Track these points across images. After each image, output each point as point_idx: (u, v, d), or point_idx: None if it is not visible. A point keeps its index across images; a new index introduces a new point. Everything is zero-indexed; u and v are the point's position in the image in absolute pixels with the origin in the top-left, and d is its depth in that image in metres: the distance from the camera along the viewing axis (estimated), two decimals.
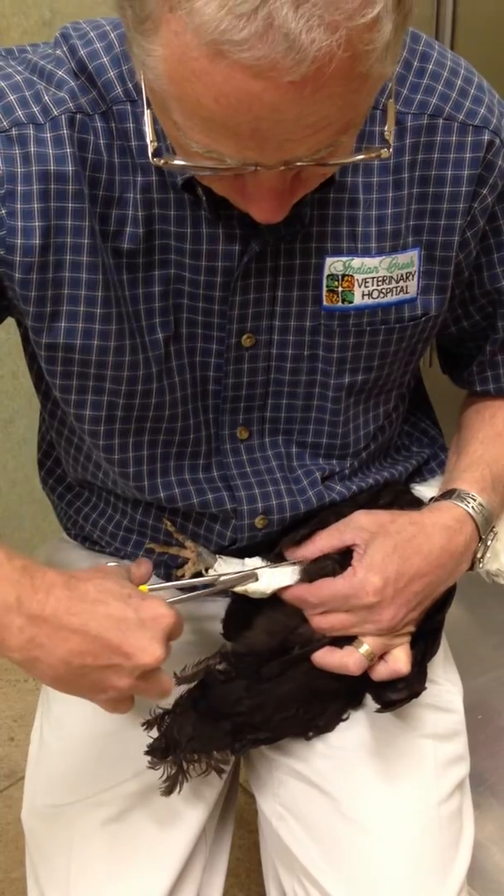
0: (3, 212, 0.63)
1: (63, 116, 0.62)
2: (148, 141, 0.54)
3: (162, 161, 0.54)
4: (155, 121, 0.56)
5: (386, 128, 0.56)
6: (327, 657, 0.72)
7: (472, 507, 0.75)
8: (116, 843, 0.75)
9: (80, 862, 0.74)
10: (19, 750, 1.46)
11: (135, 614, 0.62)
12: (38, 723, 0.86)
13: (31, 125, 0.62)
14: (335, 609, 0.72)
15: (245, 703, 0.73)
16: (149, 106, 0.55)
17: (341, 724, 0.79)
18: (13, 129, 0.62)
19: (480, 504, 0.75)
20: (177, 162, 0.53)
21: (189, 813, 0.77)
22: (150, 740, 0.73)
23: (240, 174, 0.53)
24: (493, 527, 0.77)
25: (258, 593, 0.74)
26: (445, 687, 0.84)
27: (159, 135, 0.57)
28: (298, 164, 0.51)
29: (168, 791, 0.72)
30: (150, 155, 0.54)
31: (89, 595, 0.62)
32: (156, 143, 0.55)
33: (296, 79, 0.45)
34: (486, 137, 0.67)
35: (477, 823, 0.81)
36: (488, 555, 0.77)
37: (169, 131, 0.54)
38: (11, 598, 0.59)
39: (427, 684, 0.81)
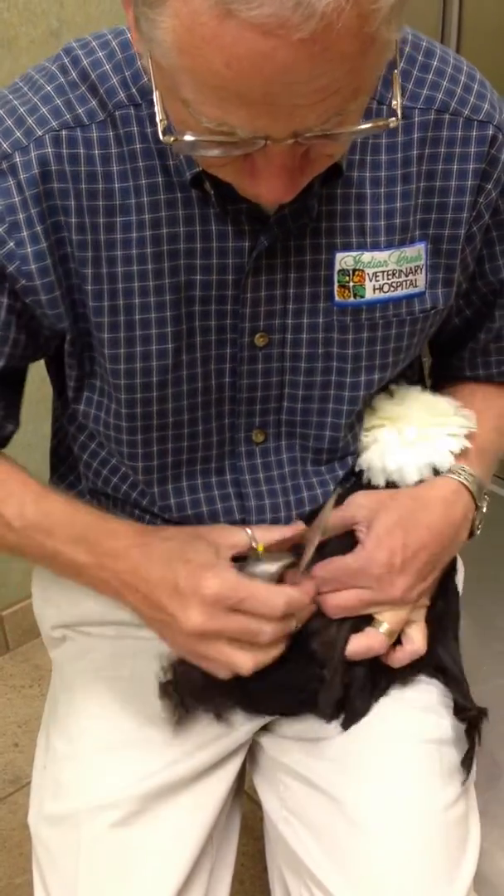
0: (12, 244, 0.65)
1: (47, 136, 0.64)
2: (158, 120, 0.54)
3: (172, 139, 0.54)
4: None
5: (393, 98, 0.56)
6: (354, 645, 0.73)
7: (465, 478, 0.77)
8: (124, 849, 0.75)
9: (87, 867, 0.74)
10: (24, 756, 1.46)
11: (182, 580, 0.67)
12: (45, 728, 0.86)
13: (16, 153, 0.64)
14: (346, 586, 0.73)
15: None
16: (156, 88, 0.55)
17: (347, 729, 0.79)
18: (2, 162, 0.64)
19: (471, 474, 0.77)
20: (187, 138, 0.53)
21: (196, 818, 0.77)
22: (157, 746, 0.73)
23: (249, 154, 0.53)
24: (486, 495, 0.80)
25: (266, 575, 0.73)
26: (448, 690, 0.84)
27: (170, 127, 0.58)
28: (308, 135, 0.51)
29: (175, 723, 0.77)
30: (160, 133, 0.54)
31: (154, 554, 0.69)
32: (165, 122, 0.54)
33: (305, 35, 0.45)
34: (490, 132, 0.69)
35: (483, 829, 0.81)
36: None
37: (177, 114, 0.54)
38: (95, 559, 0.70)
39: (432, 689, 0.81)
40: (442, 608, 0.79)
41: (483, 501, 0.79)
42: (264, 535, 0.73)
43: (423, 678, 0.81)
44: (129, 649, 0.83)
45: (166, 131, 0.54)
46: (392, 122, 0.55)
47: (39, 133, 0.64)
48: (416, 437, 0.76)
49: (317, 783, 0.78)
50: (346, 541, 0.74)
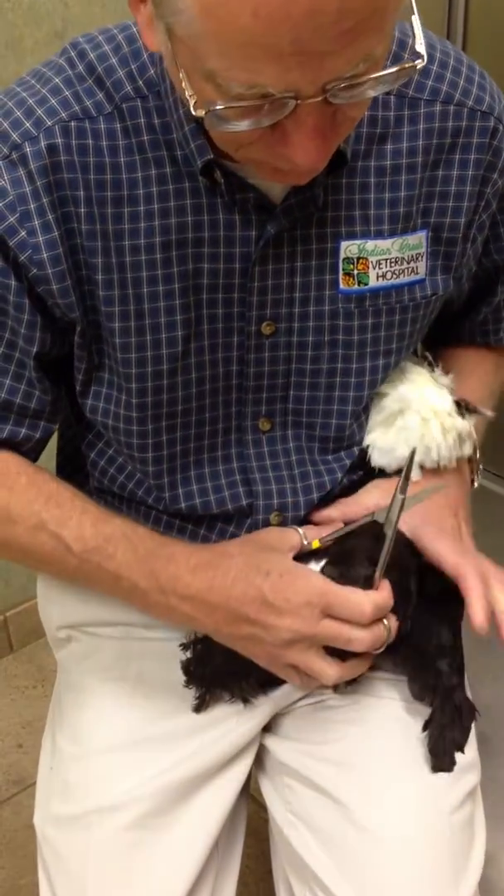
0: (24, 233, 0.65)
1: (56, 126, 0.65)
2: (188, 96, 0.54)
3: (204, 112, 0.53)
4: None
5: (416, 43, 0.56)
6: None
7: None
8: (133, 851, 0.75)
9: (95, 868, 0.75)
10: (28, 757, 1.46)
11: (269, 593, 0.67)
12: (50, 728, 0.86)
13: (26, 143, 0.65)
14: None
15: None
16: (181, 68, 0.54)
17: (351, 733, 0.79)
18: (13, 152, 0.65)
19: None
20: (218, 107, 0.53)
21: (204, 820, 0.77)
22: (164, 748, 0.73)
23: (279, 124, 0.53)
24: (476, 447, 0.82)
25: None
26: None
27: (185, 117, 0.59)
28: (338, 86, 0.51)
29: (196, 708, 0.78)
30: (191, 108, 0.54)
31: (230, 574, 0.69)
32: (195, 97, 0.54)
33: None
34: (492, 124, 0.70)
35: (488, 832, 0.80)
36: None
37: (203, 92, 0.53)
38: (157, 583, 0.70)
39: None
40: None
41: (477, 456, 0.83)
42: (314, 533, 0.74)
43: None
44: (135, 650, 0.83)
45: (197, 106, 0.54)
46: (419, 63, 0.55)
47: (49, 123, 0.65)
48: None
49: (322, 786, 0.78)
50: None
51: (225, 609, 0.69)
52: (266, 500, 0.77)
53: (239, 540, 0.75)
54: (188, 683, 0.78)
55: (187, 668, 0.78)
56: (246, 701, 0.78)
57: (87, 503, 0.73)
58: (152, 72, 0.65)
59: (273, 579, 0.68)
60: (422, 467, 0.77)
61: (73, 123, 0.65)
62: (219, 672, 0.77)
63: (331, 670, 0.69)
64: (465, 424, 0.78)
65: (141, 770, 0.77)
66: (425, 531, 0.76)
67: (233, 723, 0.79)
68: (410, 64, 0.55)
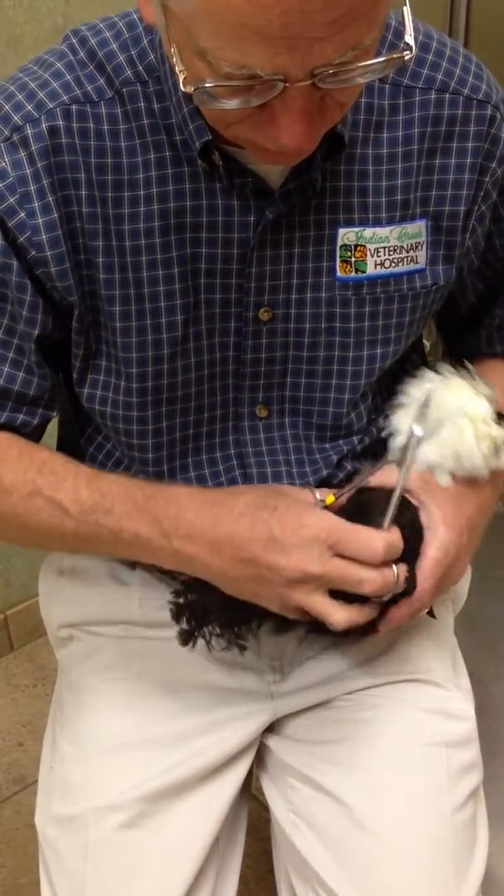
0: (23, 214, 0.66)
1: (58, 109, 0.65)
2: (178, 71, 0.55)
3: (192, 88, 0.54)
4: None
5: (406, 33, 0.56)
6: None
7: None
8: (132, 850, 0.75)
9: (95, 868, 0.74)
10: (28, 755, 1.45)
11: (277, 528, 0.64)
12: (51, 728, 0.86)
13: (27, 125, 0.65)
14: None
15: None
16: (172, 42, 0.55)
17: (354, 734, 0.79)
18: (14, 134, 0.65)
19: None
20: (207, 85, 0.53)
21: (204, 820, 0.77)
22: (164, 747, 0.72)
23: (267, 104, 0.54)
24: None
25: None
26: (457, 695, 0.83)
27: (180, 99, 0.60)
28: (326, 72, 0.51)
29: (183, 642, 0.73)
30: (181, 84, 0.54)
31: (235, 510, 0.65)
32: (185, 73, 0.55)
33: None
34: (489, 112, 0.70)
35: (491, 831, 0.80)
36: None
37: (195, 68, 0.54)
38: (159, 527, 0.66)
39: (439, 691, 0.81)
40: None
41: None
42: (327, 492, 0.71)
43: (429, 680, 0.81)
44: (136, 649, 0.82)
45: (186, 82, 0.54)
46: (406, 55, 0.55)
47: (50, 106, 0.65)
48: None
49: (324, 786, 0.78)
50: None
51: (230, 546, 0.65)
52: (261, 481, 0.76)
53: (245, 485, 0.74)
54: (177, 617, 0.73)
55: (180, 611, 0.73)
56: (242, 648, 0.74)
57: (80, 466, 0.71)
58: (152, 57, 0.66)
59: (280, 512, 0.64)
60: (453, 475, 0.74)
61: (74, 107, 0.65)
62: (213, 610, 0.72)
63: (339, 614, 0.64)
64: (502, 433, 0.74)
65: (141, 770, 0.77)
66: (436, 497, 0.72)
67: (234, 725, 0.79)
68: (398, 54, 0.55)
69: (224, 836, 0.80)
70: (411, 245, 0.72)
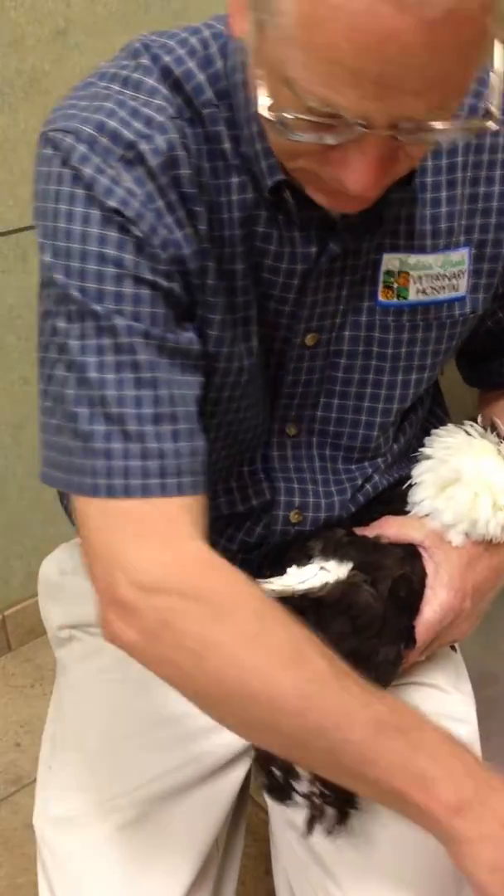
0: (164, 231, 0.62)
1: (168, 122, 0.62)
2: (263, 95, 0.54)
3: (273, 114, 0.53)
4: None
5: (493, 102, 0.55)
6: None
7: None
8: (132, 850, 0.75)
9: (94, 868, 0.74)
10: (26, 756, 1.45)
11: None
12: (50, 728, 0.86)
13: (141, 140, 0.61)
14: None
15: None
16: (259, 66, 0.54)
17: None
18: (128, 152, 0.61)
19: None
20: (287, 115, 0.53)
21: (203, 821, 0.77)
22: (164, 749, 0.72)
23: (341, 145, 0.53)
24: None
25: (287, 591, 0.71)
26: (458, 698, 0.84)
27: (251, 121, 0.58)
28: (407, 126, 0.51)
29: (279, 797, 0.69)
30: (263, 109, 0.54)
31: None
32: (270, 99, 0.54)
33: (436, 15, 0.46)
34: None
35: None
36: None
37: (278, 95, 0.53)
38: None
39: (440, 695, 0.81)
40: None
41: None
42: None
43: (430, 683, 0.81)
44: None
45: (269, 108, 0.54)
46: (490, 125, 0.55)
47: (160, 119, 0.62)
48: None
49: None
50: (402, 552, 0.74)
51: None
52: (287, 496, 0.77)
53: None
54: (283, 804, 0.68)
55: (274, 789, 0.68)
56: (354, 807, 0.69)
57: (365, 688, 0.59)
58: (225, 83, 0.64)
59: None
60: (467, 535, 0.74)
61: (178, 121, 0.62)
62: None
63: None
64: None
65: (141, 772, 0.77)
66: (448, 556, 0.73)
67: None
68: (479, 122, 0.55)
69: (223, 838, 0.80)
70: (454, 273, 0.71)
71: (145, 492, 0.60)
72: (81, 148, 0.61)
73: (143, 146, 0.61)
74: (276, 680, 0.57)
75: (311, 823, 0.70)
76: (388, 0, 0.45)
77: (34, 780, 0.85)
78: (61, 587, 0.88)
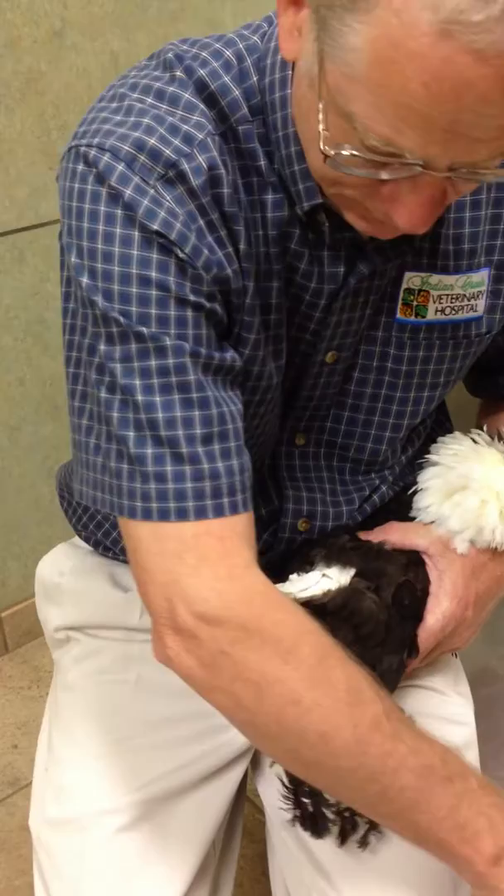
0: (206, 251, 0.61)
1: (208, 139, 0.61)
2: (321, 128, 0.53)
3: (333, 151, 0.53)
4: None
5: None
6: None
7: None
8: (129, 853, 0.74)
9: (91, 871, 0.74)
10: (23, 758, 1.45)
11: None
12: (46, 731, 0.86)
13: (182, 159, 0.60)
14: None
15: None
16: (320, 98, 0.53)
17: None
18: (169, 171, 0.60)
19: None
20: (344, 153, 0.52)
21: (200, 823, 0.77)
22: (161, 751, 0.72)
23: (395, 180, 0.53)
24: None
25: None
26: (456, 699, 0.83)
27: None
28: (463, 171, 0.51)
29: (315, 832, 0.69)
30: (320, 141, 0.53)
31: None
32: (328, 133, 0.53)
33: None
34: None
35: None
36: None
37: (335, 125, 0.53)
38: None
39: (437, 697, 0.81)
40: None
41: None
42: None
43: (427, 685, 0.81)
44: (136, 653, 0.82)
45: (327, 142, 0.53)
46: None
47: (201, 137, 0.60)
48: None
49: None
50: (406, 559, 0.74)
51: None
52: (296, 504, 0.77)
53: None
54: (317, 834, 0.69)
55: (304, 819, 0.69)
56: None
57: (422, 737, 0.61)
58: (258, 99, 0.62)
59: None
60: (472, 543, 0.74)
61: (217, 138, 0.61)
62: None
63: None
64: None
65: (139, 774, 0.77)
66: (452, 565, 0.73)
67: (231, 730, 0.79)
68: None
69: (220, 840, 0.80)
70: (473, 294, 0.71)
71: (199, 514, 0.60)
72: (120, 167, 0.59)
73: (184, 165, 0.60)
74: (335, 721, 0.57)
75: (343, 836, 0.70)
76: (471, 51, 0.45)
77: (31, 782, 0.85)
78: (58, 588, 0.88)
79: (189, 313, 0.60)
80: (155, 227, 0.59)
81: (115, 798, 0.76)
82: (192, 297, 0.60)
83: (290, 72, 0.61)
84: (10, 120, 1.32)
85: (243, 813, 0.86)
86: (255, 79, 0.63)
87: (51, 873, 0.77)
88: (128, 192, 0.59)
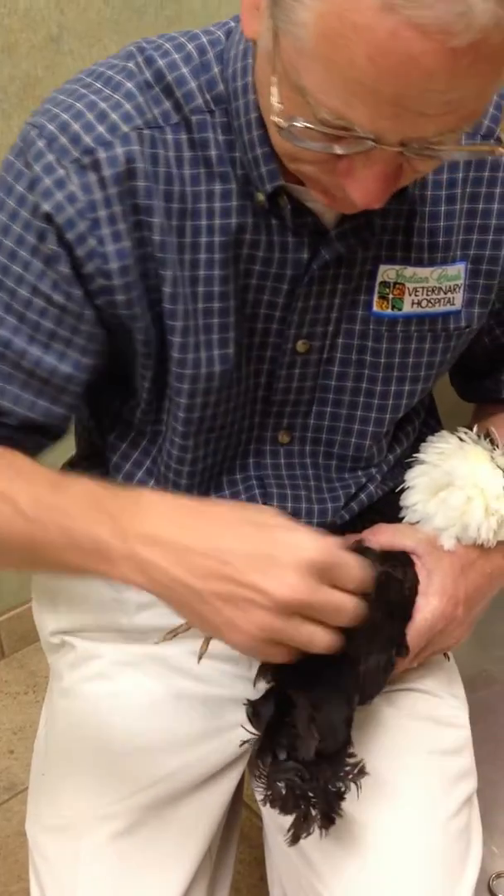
0: (93, 242, 0.63)
1: (133, 133, 0.63)
2: (275, 102, 0.54)
3: (287, 124, 0.54)
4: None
5: (502, 131, 0.57)
6: None
7: None
8: (125, 858, 0.74)
9: (87, 876, 0.74)
10: (19, 763, 1.45)
11: (273, 547, 0.56)
12: (42, 735, 0.85)
13: (100, 148, 0.62)
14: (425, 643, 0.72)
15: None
16: (273, 73, 0.54)
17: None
18: (84, 156, 0.62)
19: None
20: (297, 124, 0.53)
21: (196, 828, 0.77)
22: (157, 756, 0.72)
23: (349, 155, 0.54)
24: None
25: None
26: (450, 702, 0.84)
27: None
28: (415, 146, 0.52)
29: (294, 839, 0.67)
30: (274, 114, 0.54)
31: (218, 518, 0.58)
32: (281, 106, 0.54)
33: (460, 45, 0.46)
34: None
35: (484, 838, 0.80)
36: None
37: (289, 102, 0.54)
38: (113, 525, 0.57)
39: (432, 700, 0.81)
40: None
41: None
42: None
43: (421, 688, 0.81)
44: (131, 657, 0.82)
45: (281, 114, 0.54)
46: (500, 150, 0.55)
47: (126, 129, 0.62)
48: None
49: None
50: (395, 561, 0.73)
51: (204, 557, 0.56)
52: (281, 502, 0.77)
53: (229, 501, 0.71)
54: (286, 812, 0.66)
55: (279, 799, 0.66)
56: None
57: (53, 472, 0.65)
58: (221, 88, 0.64)
59: (273, 533, 0.57)
60: (459, 540, 0.74)
61: (146, 131, 0.63)
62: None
63: (323, 636, 0.57)
64: None
65: (135, 779, 0.76)
66: (441, 563, 0.72)
67: (228, 735, 0.79)
68: (489, 147, 0.56)
69: (216, 845, 0.80)
70: (449, 287, 0.72)
71: None
72: (40, 144, 0.63)
73: (101, 154, 0.62)
74: None
75: (296, 828, 0.68)
76: (413, 26, 0.45)
77: (27, 788, 0.84)
78: (54, 593, 0.88)
79: (38, 302, 0.65)
80: (47, 208, 0.62)
81: (111, 803, 0.76)
82: (45, 290, 0.64)
83: (251, 60, 0.62)
84: (8, 125, 1.32)
85: (240, 818, 0.86)
86: (217, 69, 0.64)
87: (46, 877, 0.77)
88: (36, 167, 0.62)
